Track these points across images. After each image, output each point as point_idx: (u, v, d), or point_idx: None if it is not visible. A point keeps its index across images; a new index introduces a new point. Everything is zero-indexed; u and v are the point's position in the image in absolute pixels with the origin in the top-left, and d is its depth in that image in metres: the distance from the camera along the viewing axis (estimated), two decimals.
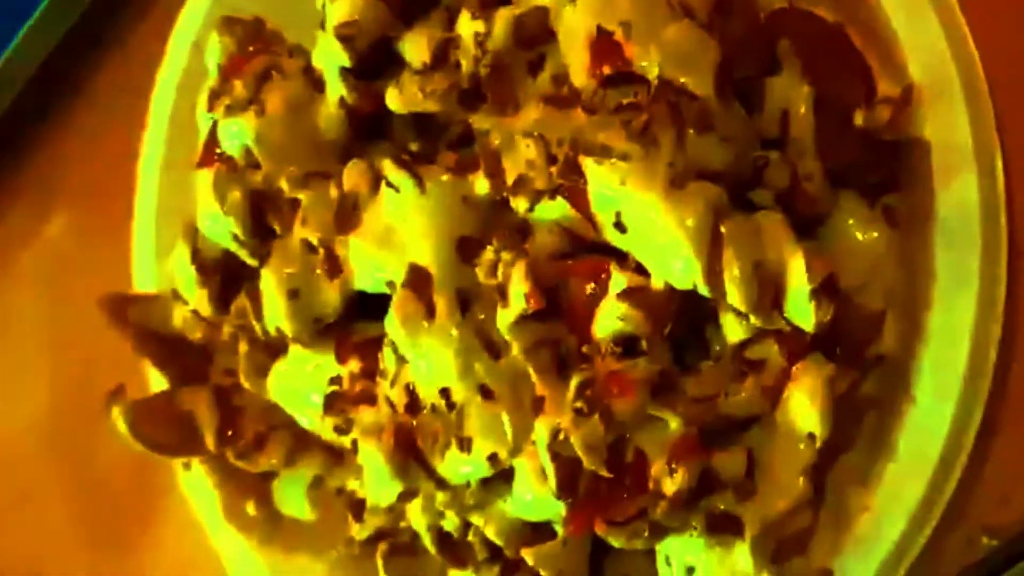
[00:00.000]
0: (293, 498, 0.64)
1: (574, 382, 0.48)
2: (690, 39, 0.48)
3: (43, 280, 0.78)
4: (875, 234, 0.51)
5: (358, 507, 0.60)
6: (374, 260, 0.53)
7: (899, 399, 0.50)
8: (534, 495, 0.51)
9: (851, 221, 0.51)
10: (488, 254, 0.51)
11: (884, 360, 0.51)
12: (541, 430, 0.49)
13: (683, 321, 0.49)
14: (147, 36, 0.71)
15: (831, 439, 0.48)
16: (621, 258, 0.49)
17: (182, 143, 0.65)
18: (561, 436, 0.48)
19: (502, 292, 0.50)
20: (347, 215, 0.54)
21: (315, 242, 0.54)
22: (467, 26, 0.53)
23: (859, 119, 0.49)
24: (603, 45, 0.50)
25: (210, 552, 0.65)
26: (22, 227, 0.79)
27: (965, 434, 0.49)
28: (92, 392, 0.61)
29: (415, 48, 0.54)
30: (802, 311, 0.46)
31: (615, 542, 0.49)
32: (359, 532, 0.60)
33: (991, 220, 0.48)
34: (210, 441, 0.61)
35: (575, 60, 0.51)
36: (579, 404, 0.48)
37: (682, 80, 0.47)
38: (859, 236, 0.51)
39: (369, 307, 0.55)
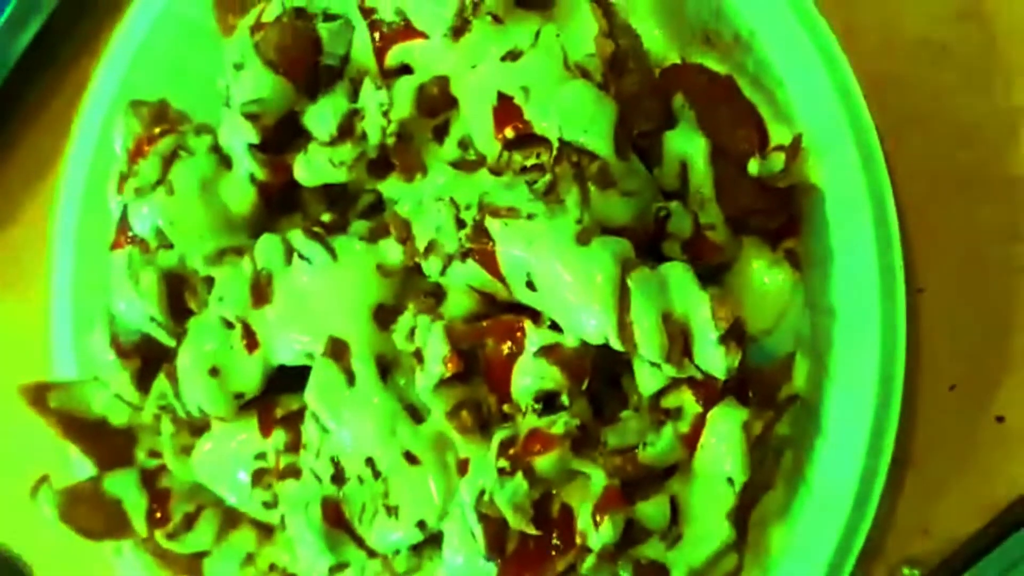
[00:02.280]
0: None
1: (495, 441, 0.49)
2: (587, 99, 0.49)
3: None
4: (780, 278, 0.52)
5: None
6: (291, 332, 0.53)
7: (813, 437, 0.51)
8: (464, 557, 0.51)
9: (756, 266, 0.53)
10: (405, 319, 0.52)
11: (797, 400, 0.52)
12: (466, 492, 0.49)
13: (600, 373, 0.50)
14: (64, 109, 0.70)
15: (751, 480, 0.49)
16: (535, 315, 0.50)
17: (95, 224, 0.64)
18: (486, 497, 0.48)
19: (420, 357, 0.50)
20: (262, 289, 0.54)
21: (232, 318, 0.54)
22: (371, 97, 0.53)
23: (753, 168, 0.50)
24: (504, 109, 0.51)
25: None
26: None
27: (878, 468, 0.50)
28: (18, 479, 0.60)
29: (321, 121, 0.54)
30: (711, 358, 0.47)
31: None
32: None
33: (887, 258, 0.50)
34: (139, 525, 0.61)
35: (478, 124, 0.52)
36: (502, 463, 0.48)
37: (582, 140, 0.48)
38: (765, 280, 0.53)
39: (291, 379, 0.55)
